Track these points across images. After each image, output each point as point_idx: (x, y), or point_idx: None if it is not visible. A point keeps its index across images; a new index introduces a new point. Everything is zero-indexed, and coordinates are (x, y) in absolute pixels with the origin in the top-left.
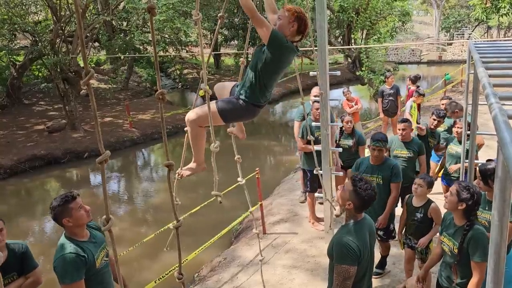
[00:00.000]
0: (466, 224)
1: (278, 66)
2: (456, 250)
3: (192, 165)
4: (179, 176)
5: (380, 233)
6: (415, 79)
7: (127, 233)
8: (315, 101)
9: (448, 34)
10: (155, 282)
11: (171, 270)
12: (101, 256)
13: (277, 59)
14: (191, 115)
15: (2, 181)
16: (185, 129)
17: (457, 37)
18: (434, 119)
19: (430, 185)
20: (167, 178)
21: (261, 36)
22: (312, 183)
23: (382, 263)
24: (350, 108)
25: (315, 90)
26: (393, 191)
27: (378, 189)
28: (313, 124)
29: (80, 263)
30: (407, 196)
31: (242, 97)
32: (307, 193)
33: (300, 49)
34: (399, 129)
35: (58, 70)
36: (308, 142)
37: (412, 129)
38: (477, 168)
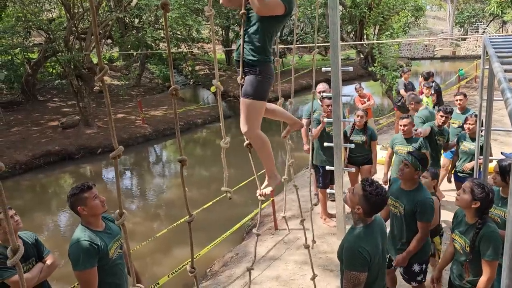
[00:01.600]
0: (478, 222)
1: (285, 20)
2: (468, 248)
3: (267, 181)
4: (261, 197)
5: (401, 270)
6: (427, 76)
7: (140, 227)
8: (325, 98)
9: (462, 29)
10: (168, 276)
11: (184, 265)
12: (114, 247)
13: (286, 17)
14: (244, 126)
15: (18, 176)
16: (245, 144)
17: (471, 32)
18: (442, 116)
19: (435, 176)
20: (180, 174)
21: (277, 13)
22: (324, 179)
23: None
24: (362, 104)
25: (320, 87)
26: (419, 231)
27: (398, 221)
28: (325, 120)
29: (93, 251)
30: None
31: (256, 62)
32: (318, 192)
33: (311, 45)
34: (401, 125)
35: (72, 67)
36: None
37: (414, 125)
38: (497, 164)
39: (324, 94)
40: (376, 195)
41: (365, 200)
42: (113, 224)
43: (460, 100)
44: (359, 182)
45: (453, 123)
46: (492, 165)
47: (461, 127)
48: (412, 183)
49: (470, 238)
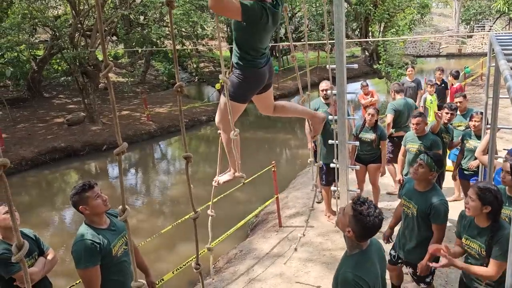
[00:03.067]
0: (492, 225)
1: (261, 28)
2: (484, 253)
3: (229, 173)
4: (215, 183)
5: (410, 271)
6: (457, 75)
7: (145, 224)
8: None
9: (468, 26)
10: (173, 272)
11: (188, 261)
12: (118, 244)
13: (257, 26)
14: (217, 118)
15: (24, 172)
16: (218, 131)
17: (478, 29)
18: (447, 113)
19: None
20: (185, 170)
21: (232, 18)
22: (327, 177)
23: None
24: (365, 100)
25: (323, 85)
26: (435, 234)
27: (410, 221)
28: (329, 117)
29: (95, 250)
30: None
31: (237, 66)
32: (322, 189)
33: (316, 42)
34: (413, 124)
35: (77, 64)
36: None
37: (427, 123)
38: (508, 163)
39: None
40: (368, 216)
41: (355, 221)
42: (118, 220)
43: (460, 102)
44: (350, 201)
45: (458, 125)
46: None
47: (467, 127)
48: (426, 184)
49: (486, 242)
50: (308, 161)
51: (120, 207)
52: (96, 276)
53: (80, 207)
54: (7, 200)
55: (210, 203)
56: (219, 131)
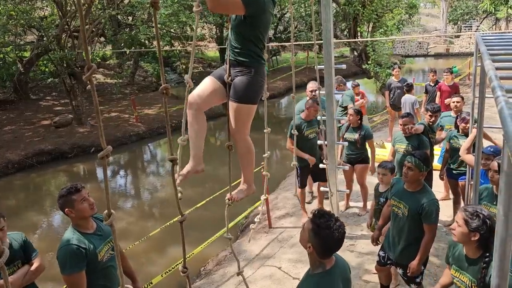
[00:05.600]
0: (483, 255)
1: (265, 19)
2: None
3: (241, 187)
4: (230, 201)
5: (400, 271)
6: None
7: (134, 227)
8: (310, 99)
9: (456, 26)
10: (161, 275)
11: (177, 264)
12: (104, 250)
13: (261, 17)
14: (233, 129)
15: (10, 176)
16: (227, 144)
17: (465, 29)
18: (430, 115)
19: (392, 171)
20: (171, 173)
21: (235, 14)
22: (302, 179)
23: None
24: (356, 102)
25: (311, 85)
26: (426, 233)
27: (400, 222)
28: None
29: (80, 255)
30: (376, 183)
31: (245, 63)
32: (300, 189)
33: (304, 42)
34: (400, 125)
35: (64, 65)
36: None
37: (414, 123)
38: (495, 162)
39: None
40: (327, 229)
41: (314, 235)
42: (105, 225)
43: (458, 102)
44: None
45: (449, 128)
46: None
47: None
48: (417, 185)
49: (477, 276)
50: (292, 165)
51: (105, 211)
52: (81, 281)
53: (66, 209)
54: None
55: (223, 214)
56: (227, 144)
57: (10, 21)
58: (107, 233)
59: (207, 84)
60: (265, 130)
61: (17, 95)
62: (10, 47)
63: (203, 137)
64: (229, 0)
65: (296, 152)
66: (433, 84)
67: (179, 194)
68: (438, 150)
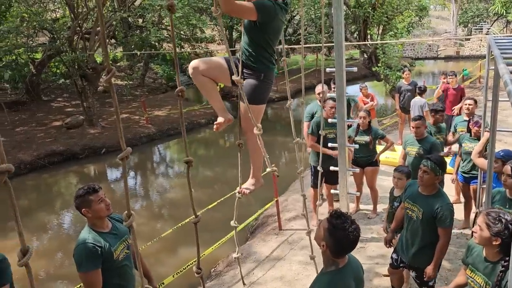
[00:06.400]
0: (502, 259)
1: (275, 26)
2: None
3: (250, 181)
4: (240, 194)
5: (413, 274)
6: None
7: (145, 227)
8: (329, 98)
9: (466, 29)
10: (173, 276)
11: (188, 265)
12: (120, 248)
13: (271, 24)
14: (243, 124)
15: (22, 176)
16: (237, 142)
17: (475, 32)
18: (433, 116)
19: (408, 176)
20: (187, 174)
21: (248, 18)
22: (314, 179)
23: None
24: (365, 104)
25: (319, 88)
26: (441, 238)
27: (414, 225)
28: (329, 120)
29: (96, 253)
30: (391, 187)
31: (254, 68)
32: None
33: (314, 45)
34: (412, 127)
35: (76, 67)
36: (319, 139)
37: (426, 126)
38: (508, 166)
39: (328, 95)
40: (342, 230)
41: (329, 235)
42: (120, 225)
43: (470, 105)
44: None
45: (461, 131)
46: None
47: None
48: (432, 188)
49: (492, 279)
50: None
51: (125, 212)
52: (97, 279)
53: (83, 209)
54: (11, 205)
55: (233, 215)
56: (237, 142)
57: (23, 24)
58: (122, 233)
59: (215, 58)
60: (294, 141)
61: (29, 96)
62: (22, 48)
63: (217, 93)
64: (243, 5)
65: (322, 150)
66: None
67: (276, 173)
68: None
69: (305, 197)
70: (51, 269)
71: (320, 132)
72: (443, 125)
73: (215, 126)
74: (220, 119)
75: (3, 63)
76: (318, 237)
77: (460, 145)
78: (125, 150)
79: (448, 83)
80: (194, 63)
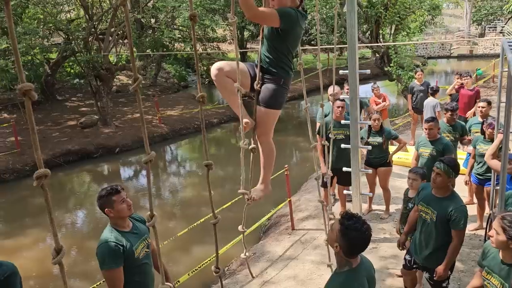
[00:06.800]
0: None
1: (296, 33)
2: None
3: (260, 187)
4: (249, 201)
5: (426, 276)
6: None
7: (158, 227)
8: (337, 99)
9: (480, 27)
10: (188, 274)
11: (203, 264)
12: (140, 247)
13: (293, 31)
14: (259, 131)
15: None
16: (250, 147)
17: (489, 30)
18: (445, 114)
19: (423, 177)
20: (206, 177)
21: (270, 25)
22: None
23: None
24: (377, 105)
25: (331, 89)
26: (454, 239)
27: (427, 227)
28: (342, 122)
29: (118, 252)
30: (406, 188)
31: (275, 74)
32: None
33: (325, 46)
34: (425, 129)
35: (91, 67)
36: (328, 140)
37: (439, 128)
38: None
39: (342, 97)
40: (355, 230)
41: (342, 236)
42: (140, 224)
43: (483, 107)
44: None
45: (475, 132)
46: None
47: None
48: (445, 190)
49: (509, 281)
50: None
51: (148, 213)
52: (119, 277)
53: (106, 209)
54: (47, 208)
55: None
56: (250, 147)
57: (40, 25)
58: (142, 232)
59: (240, 64)
60: (311, 146)
61: (44, 96)
62: (38, 49)
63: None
64: (266, 12)
65: (319, 154)
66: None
67: (246, 196)
68: (463, 154)
69: (323, 203)
70: (68, 266)
71: (322, 134)
72: (459, 123)
73: (243, 127)
74: (246, 120)
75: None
76: (331, 239)
77: (474, 147)
78: (149, 154)
79: (463, 85)
80: (219, 64)
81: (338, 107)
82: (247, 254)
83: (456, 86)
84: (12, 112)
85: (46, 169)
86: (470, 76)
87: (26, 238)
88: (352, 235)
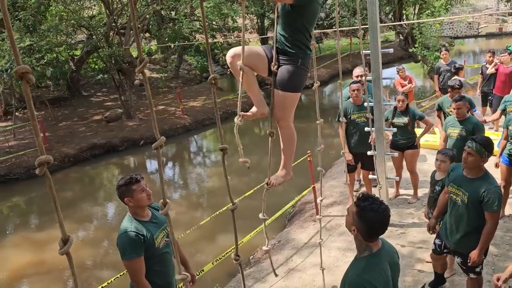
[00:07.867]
0: None
1: (313, 9)
2: None
3: (280, 172)
4: (268, 186)
5: (458, 260)
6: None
7: (184, 216)
8: (352, 82)
9: (509, 4)
10: (212, 263)
11: (227, 252)
12: (160, 236)
13: (309, 7)
14: (279, 115)
15: (67, 169)
16: (268, 131)
17: None
18: (449, 91)
19: (452, 159)
20: (222, 162)
21: (284, 2)
22: (349, 164)
23: (437, 282)
24: (402, 87)
25: (357, 71)
26: (488, 222)
27: (459, 209)
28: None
29: (139, 241)
30: (433, 170)
31: (293, 55)
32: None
33: (347, 28)
34: (454, 108)
35: (113, 61)
36: (349, 123)
37: (468, 107)
38: None
39: (368, 78)
40: (372, 211)
41: (359, 218)
42: (159, 213)
43: None
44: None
45: (511, 111)
46: None
47: None
48: (477, 171)
49: None
50: (341, 153)
51: (161, 201)
52: (140, 266)
53: (126, 199)
54: (51, 196)
55: (270, 203)
56: (269, 131)
57: (63, 22)
58: (162, 221)
59: (253, 47)
60: (317, 121)
61: (70, 92)
62: (63, 46)
63: (256, 83)
64: None
65: (342, 139)
66: (489, 66)
67: (247, 164)
68: (496, 135)
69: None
70: (97, 257)
71: (341, 119)
72: (467, 97)
73: (241, 116)
74: (253, 109)
75: (45, 61)
76: (349, 223)
77: (507, 127)
78: (159, 139)
79: (501, 62)
80: (233, 50)
81: (353, 90)
82: (269, 246)
83: (496, 66)
84: (40, 109)
85: (48, 155)
86: (509, 53)
87: (56, 230)
88: (369, 216)
